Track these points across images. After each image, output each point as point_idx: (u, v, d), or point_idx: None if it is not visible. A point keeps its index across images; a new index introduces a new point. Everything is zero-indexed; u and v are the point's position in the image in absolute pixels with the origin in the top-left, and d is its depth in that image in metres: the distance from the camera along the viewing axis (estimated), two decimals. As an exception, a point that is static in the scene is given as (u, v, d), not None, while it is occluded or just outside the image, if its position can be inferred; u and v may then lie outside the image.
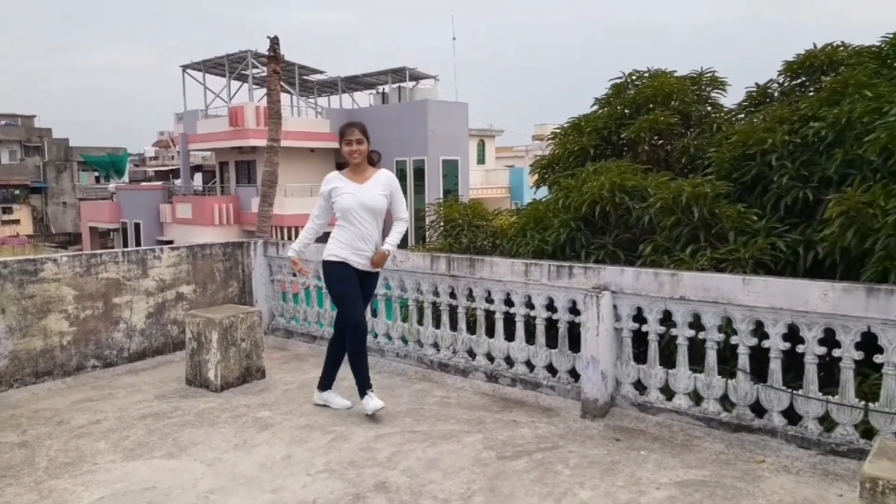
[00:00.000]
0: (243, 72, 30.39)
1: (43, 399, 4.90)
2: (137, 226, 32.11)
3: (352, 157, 4.42)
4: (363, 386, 4.42)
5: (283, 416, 4.46)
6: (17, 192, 48.53)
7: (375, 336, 5.83)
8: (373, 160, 4.52)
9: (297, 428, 4.25)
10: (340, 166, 4.56)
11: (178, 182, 35.84)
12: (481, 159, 39.21)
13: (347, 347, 4.44)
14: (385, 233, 4.50)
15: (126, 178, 49.36)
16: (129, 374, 5.50)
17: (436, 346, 5.43)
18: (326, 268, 4.45)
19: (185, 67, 31.58)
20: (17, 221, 47.68)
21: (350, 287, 4.40)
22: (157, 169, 54.55)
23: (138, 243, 30.65)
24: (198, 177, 39.61)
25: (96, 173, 52.20)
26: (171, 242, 22.23)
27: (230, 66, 30.26)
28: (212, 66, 31.12)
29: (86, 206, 38.40)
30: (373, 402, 4.35)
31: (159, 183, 38.80)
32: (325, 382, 4.65)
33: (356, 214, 4.36)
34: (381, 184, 4.45)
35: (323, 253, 4.47)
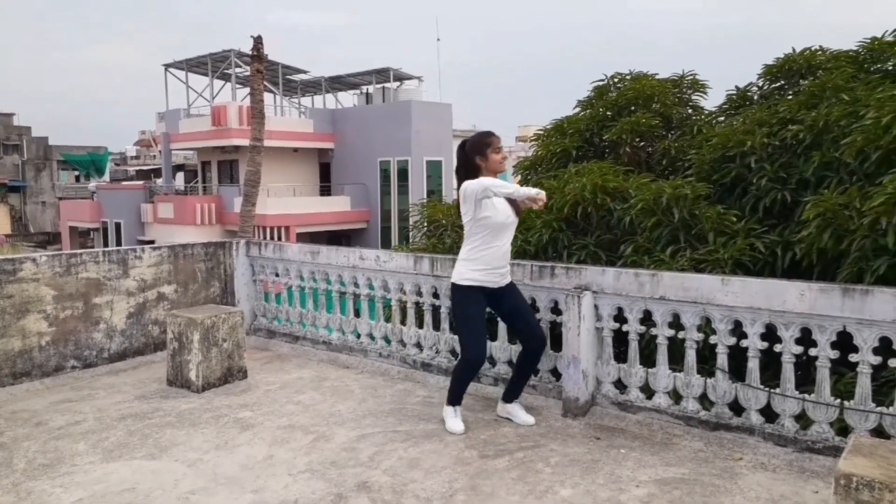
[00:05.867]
0: (226, 71, 30.23)
1: (21, 400, 4.84)
2: (118, 225, 31.77)
3: (503, 166, 4.12)
4: (451, 401, 4.25)
5: (265, 417, 4.45)
6: (-6, 190, 47.85)
7: (359, 337, 5.83)
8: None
9: (278, 428, 4.24)
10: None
11: (159, 181, 35.56)
12: (465, 160, 39.19)
13: (457, 368, 4.27)
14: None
15: (107, 177, 48.82)
16: (109, 375, 5.46)
17: (419, 345, 5.44)
18: (457, 293, 4.14)
19: (167, 66, 31.36)
20: (-6, 220, 46.99)
21: (481, 318, 4.12)
22: (138, 168, 54.12)
23: (119, 243, 30.32)
24: (180, 176, 39.28)
25: (76, 172, 51.58)
26: (152, 242, 22.09)
27: (213, 65, 30.09)
28: (194, 65, 30.92)
29: (65, 206, 37.95)
30: (449, 420, 4.22)
31: (141, 182, 38.47)
32: (513, 393, 4.38)
33: (506, 230, 4.09)
34: None
35: (453, 275, 4.17)
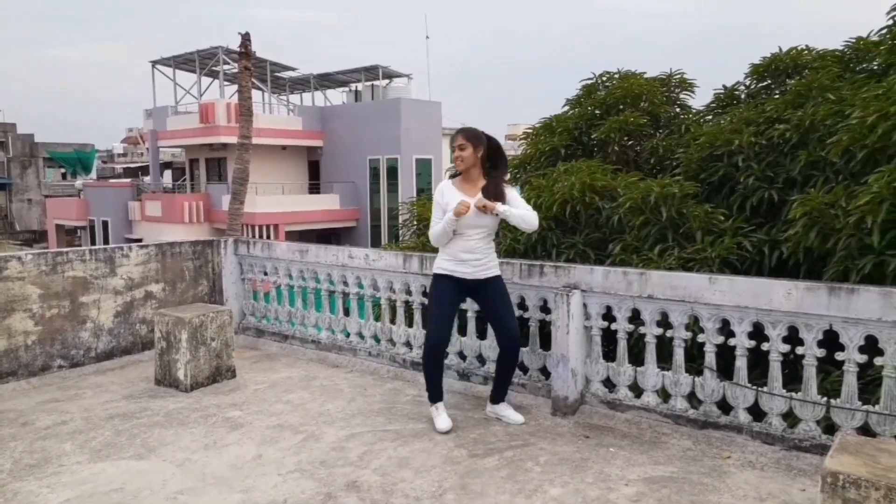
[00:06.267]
0: (214, 68, 30.05)
1: (7, 400, 4.80)
2: (105, 223, 31.55)
3: (456, 165, 4.24)
4: (429, 397, 4.31)
5: (254, 416, 4.43)
6: (-21, 188, 47.41)
7: (348, 335, 5.82)
8: (495, 167, 4.25)
9: (267, 428, 4.23)
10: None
11: (147, 179, 35.29)
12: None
13: (423, 358, 4.28)
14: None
15: (94, 174, 48.44)
16: (96, 374, 5.42)
17: (408, 344, 5.43)
18: (431, 281, 4.35)
19: (154, 63, 31.12)
20: (-21, 218, 46.56)
21: (443, 305, 4.21)
22: (125, 166, 53.70)
23: (106, 241, 30.11)
24: (167, 174, 39.06)
25: (63, 170, 51.15)
26: (140, 241, 21.94)
27: (201, 62, 29.89)
28: (182, 62, 30.71)
29: (52, 204, 37.61)
30: (434, 419, 4.24)
31: (128, 180, 38.15)
32: (499, 395, 4.42)
33: (468, 228, 4.15)
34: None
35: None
